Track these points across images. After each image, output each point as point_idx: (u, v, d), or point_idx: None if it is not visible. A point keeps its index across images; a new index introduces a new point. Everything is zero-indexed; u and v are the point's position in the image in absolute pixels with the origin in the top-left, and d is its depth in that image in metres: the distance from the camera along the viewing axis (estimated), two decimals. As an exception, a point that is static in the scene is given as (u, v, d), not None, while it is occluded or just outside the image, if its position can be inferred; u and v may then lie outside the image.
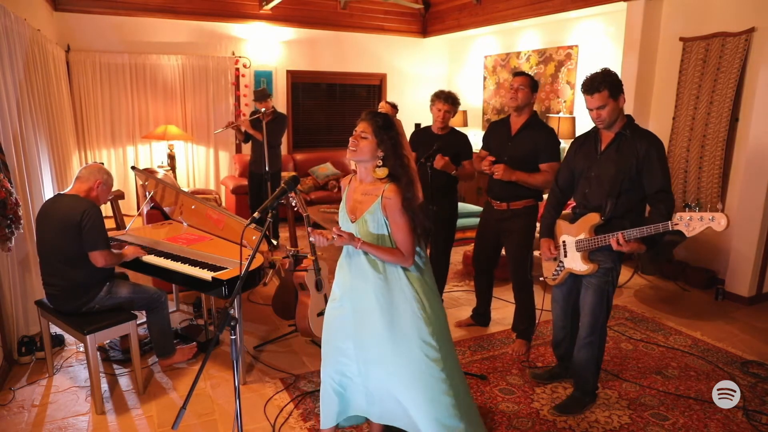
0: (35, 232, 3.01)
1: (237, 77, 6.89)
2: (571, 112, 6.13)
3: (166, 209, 4.04)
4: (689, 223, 2.24)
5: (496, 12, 6.47)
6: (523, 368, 3.21)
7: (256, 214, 1.96)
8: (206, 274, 2.87)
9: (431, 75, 8.22)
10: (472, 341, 3.57)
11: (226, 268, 2.91)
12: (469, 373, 3.08)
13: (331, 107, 7.84)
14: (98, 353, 2.86)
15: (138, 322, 2.94)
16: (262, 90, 5.26)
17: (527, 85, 3.16)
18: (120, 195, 5.78)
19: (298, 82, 7.46)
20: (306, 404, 2.81)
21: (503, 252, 3.51)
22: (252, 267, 2.87)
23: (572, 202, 2.79)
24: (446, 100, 3.48)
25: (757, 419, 2.71)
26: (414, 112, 7.65)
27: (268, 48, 7.09)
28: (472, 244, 3.69)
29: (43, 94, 4.30)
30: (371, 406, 2.22)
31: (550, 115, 6.22)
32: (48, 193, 4.00)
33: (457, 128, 3.68)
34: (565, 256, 2.70)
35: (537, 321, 3.42)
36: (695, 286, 4.60)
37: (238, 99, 6.96)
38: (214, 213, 3.49)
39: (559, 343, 2.97)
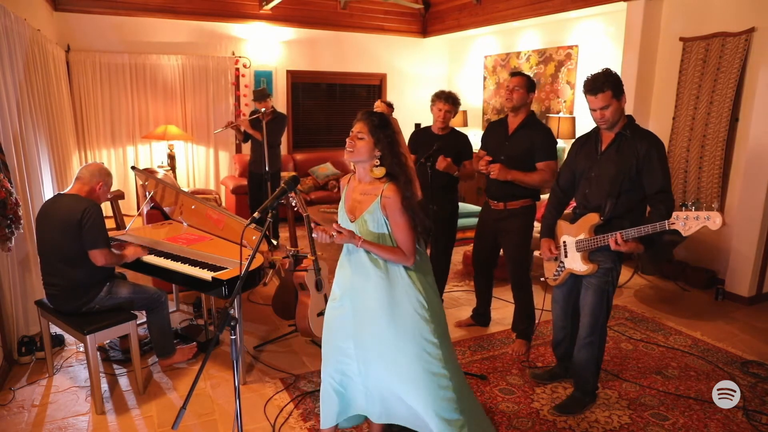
0: (35, 232, 3.00)
1: (237, 77, 6.89)
2: (571, 112, 6.12)
3: (166, 209, 4.04)
4: (685, 222, 2.24)
5: (496, 12, 6.47)
6: (523, 368, 3.21)
7: (256, 214, 1.96)
8: (206, 274, 2.87)
9: (431, 75, 8.22)
10: (472, 341, 3.57)
11: (226, 268, 2.91)
12: (469, 373, 3.08)
13: (331, 107, 7.84)
14: (98, 353, 2.86)
15: (138, 322, 2.94)
16: (262, 90, 5.26)
17: (523, 86, 3.16)
18: (120, 195, 5.78)
19: (298, 82, 7.46)
20: (306, 404, 2.81)
21: (502, 252, 3.51)
22: (252, 267, 2.87)
23: (573, 203, 2.80)
24: (447, 100, 3.48)
25: (757, 419, 2.71)
26: (414, 112, 7.66)
27: (268, 48, 7.09)
28: (472, 244, 3.69)
29: (43, 94, 4.30)
30: (371, 405, 2.22)
31: (550, 115, 6.21)
32: (48, 193, 3.99)
33: (457, 128, 3.69)
34: (566, 256, 2.70)
35: (537, 321, 3.42)
36: (695, 286, 4.60)
37: (238, 99, 6.95)
38: (214, 213, 3.49)
39: (559, 343, 2.97)
